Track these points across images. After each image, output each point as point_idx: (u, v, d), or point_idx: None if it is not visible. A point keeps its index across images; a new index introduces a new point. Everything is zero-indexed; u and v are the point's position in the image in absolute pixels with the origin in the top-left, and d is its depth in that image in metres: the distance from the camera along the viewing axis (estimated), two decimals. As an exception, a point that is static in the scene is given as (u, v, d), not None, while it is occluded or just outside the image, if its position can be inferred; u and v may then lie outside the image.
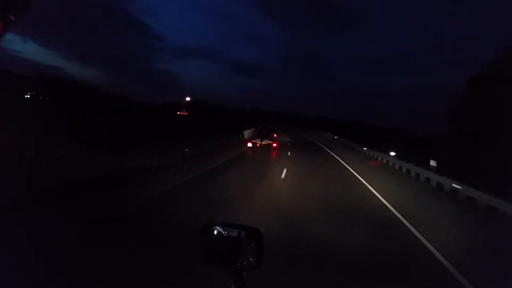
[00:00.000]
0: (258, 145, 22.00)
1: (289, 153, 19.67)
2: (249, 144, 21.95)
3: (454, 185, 9.84)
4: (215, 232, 1.24)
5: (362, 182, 10.98)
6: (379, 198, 8.47)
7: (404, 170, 14.82)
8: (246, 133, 25.80)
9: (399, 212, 7.01)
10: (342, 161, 17.07)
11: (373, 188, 9.79)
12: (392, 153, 18.19)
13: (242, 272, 1.18)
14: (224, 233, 1.23)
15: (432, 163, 12.58)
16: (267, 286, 3.23)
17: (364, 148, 24.85)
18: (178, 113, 65.62)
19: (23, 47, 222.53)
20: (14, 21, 1.19)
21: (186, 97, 50.85)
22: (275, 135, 23.33)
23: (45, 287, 3.09)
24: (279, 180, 10.19)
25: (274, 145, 22.35)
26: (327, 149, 25.30)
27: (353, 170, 13.70)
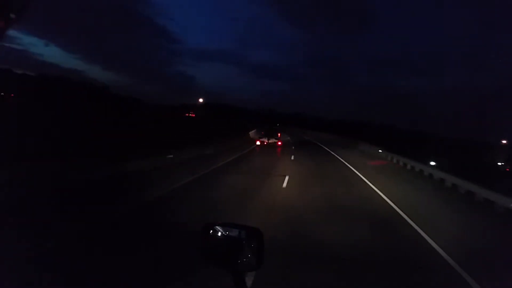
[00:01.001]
0: (265, 143, 25.38)
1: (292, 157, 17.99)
2: (258, 142, 25.60)
3: None
4: (216, 232, 1.26)
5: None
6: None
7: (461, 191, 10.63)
8: (251, 134, 32.11)
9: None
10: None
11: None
12: (432, 163, 15.42)
13: (242, 272, 1.20)
14: (225, 233, 1.26)
15: None
16: (267, 286, 3.23)
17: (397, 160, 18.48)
18: (187, 114, 66.47)
19: (45, 50, 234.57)
20: (14, 20, 1.20)
21: (199, 99, 51.58)
22: (279, 135, 27.35)
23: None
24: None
25: (279, 143, 26.17)
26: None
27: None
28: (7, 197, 5.74)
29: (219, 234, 1.26)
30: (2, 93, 37.31)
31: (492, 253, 5.26)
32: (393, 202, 8.41)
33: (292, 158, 17.58)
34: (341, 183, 11.10)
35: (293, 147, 25.66)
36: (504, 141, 37.60)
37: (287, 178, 10.71)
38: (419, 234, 5.99)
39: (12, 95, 37.25)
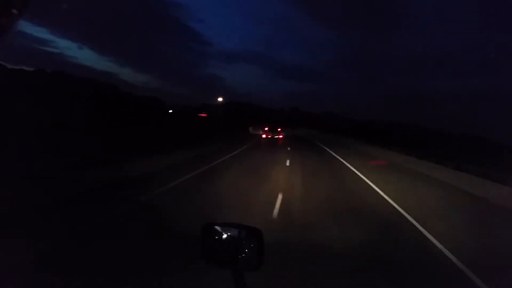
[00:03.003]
0: (269, 136, 33.95)
1: None
2: (263, 136, 34.23)
3: None
4: (216, 232, 1.29)
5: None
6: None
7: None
8: (251, 129, 40.55)
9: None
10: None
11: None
12: None
13: (242, 272, 1.23)
14: (224, 233, 1.29)
15: None
16: (267, 286, 3.29)
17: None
18: (200, 114, 68.61)
19: (79, 53, 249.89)
20: (17, 15, 1.18)
21: (218, 99, 52.90)
22: (279, 129, 36.17)
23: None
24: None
25: (281, 136, 35.04)
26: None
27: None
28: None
29: (219, 234, 1.29)
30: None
31: None
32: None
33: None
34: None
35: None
36: None
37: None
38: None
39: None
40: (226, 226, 1.32)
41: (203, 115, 68.10)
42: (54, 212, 5.31)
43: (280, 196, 7.46)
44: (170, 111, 66.98)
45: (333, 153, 20.79)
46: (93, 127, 17.70)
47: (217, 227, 1.31)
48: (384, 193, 8.99)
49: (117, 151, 11.41)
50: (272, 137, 33.44)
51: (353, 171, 13.13)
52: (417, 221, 6.33)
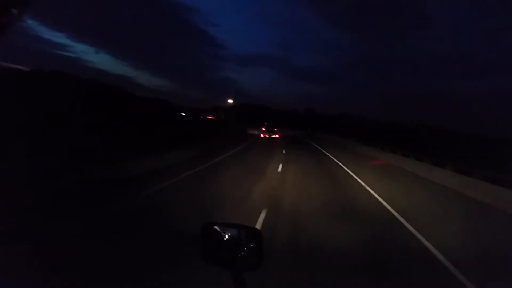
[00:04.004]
0: (267, 136, 37.27)
1: None
2: (261, 135, 37.67)
3: None
4: (215, 232, 1.32)
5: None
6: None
7: None
8: (249, 129, 44.26)
9: None
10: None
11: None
12: None
13: (242, 272, 1.25)
14: (224, 233, 1.32)
15: None
16: (267, 286, 3.34)
17: None
18: (207, 117, 72.03)
19: (96, 57, 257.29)
20: (17, 15, 1.23)
21: (228, 101, 54.28)
22: (275, 130, 39.75)
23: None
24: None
25: (277, 135, 38.33)
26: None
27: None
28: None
29: (219, 234, 1.32)
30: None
31: None
32: None
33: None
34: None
35: None
36: None
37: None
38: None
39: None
40: (225, 226, 1.35)
41: (210, 117, 72.03)
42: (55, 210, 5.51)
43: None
44: (183, 114, 69.37)
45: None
46: (105, 127, 18.06)
47: (217, 227, 1.33)
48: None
49: (117, 151, 11.73)
50: (270, 136, 37.39)
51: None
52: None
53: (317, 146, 30.58)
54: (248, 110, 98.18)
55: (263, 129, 39.86)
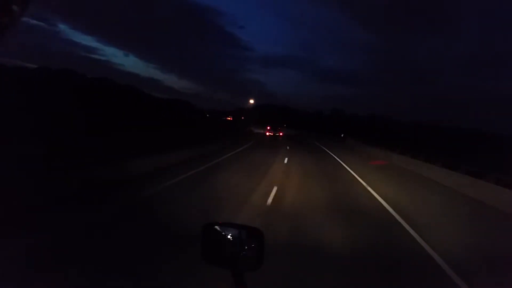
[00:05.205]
0: (272, 134, 43.21)
1: None
2: (267, 133, 43.50)
3: None
4: (216, 232, 1.34)
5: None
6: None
7: None
8: (253, 129, 49.60)
9: None
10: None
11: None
12: None
13: (243, 272, 1.27)
14: (225, 233, 1.34)
15: None
16: (267, 286, 3.37)
17: None
18: (226, 118, 78.92)
19: (125, 60, 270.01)
20: (17, 12, 1.18)
21: (250, 100, 56.95)
22: (279, 129, 45.94)
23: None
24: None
25: (281, 134, 44.27)
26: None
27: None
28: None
29: (219, 234, 1.34)
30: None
31: None
32: None
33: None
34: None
35: None
36: None
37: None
38: None
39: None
40: (226, 226, 1.37)
41: (229, 118, 79.47)
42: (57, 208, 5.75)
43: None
44: (207, 115, 74.00)
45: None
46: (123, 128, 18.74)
47: (217, 227, 1.36)
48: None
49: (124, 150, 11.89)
50: (274, 134, 42.92)
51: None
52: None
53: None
54: (271, 111, 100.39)
55: (268, 128, 46.06)
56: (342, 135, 48.07)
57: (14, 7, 1.18)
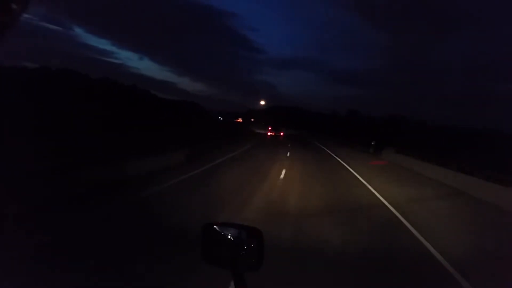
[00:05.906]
0: (273, 134, 45.84)
1: None
2: (269, 133, 46.20)
3: None
4: (216, 232, 1.35)
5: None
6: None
7: None
8: (256, 129, 52.82)
9: None
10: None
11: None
12: None
13: (243, 272, 1.27)
14: (224, 233, 1.35)
15: None
16: (267, 286, 3.42)
17: None
18: (236, 120, 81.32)
19: (140, 63, 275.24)
20: (17, 10, 1.20)
21: (260, 102, 58.19)
22: (280, 129, 48.16)
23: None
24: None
25: (281, 133, 46.40)
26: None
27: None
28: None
29: (219, 234, 1.35)
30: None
31: None
32: None
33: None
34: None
35: None
36: None
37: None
38: None
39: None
40: (226, 226, 1.38)
41: (238, 120, 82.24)
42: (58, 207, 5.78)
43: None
44: (220, 118, 78.15)
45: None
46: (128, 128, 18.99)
47: (217, 227, 1.37)
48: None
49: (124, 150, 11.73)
50: (275, 134, 45.31)
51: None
52: None
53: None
54: (283, 112, 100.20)
55: (269, 128, 48.90)
56: (372, 143, 30.28)
57: (14, 6, 1.20)
